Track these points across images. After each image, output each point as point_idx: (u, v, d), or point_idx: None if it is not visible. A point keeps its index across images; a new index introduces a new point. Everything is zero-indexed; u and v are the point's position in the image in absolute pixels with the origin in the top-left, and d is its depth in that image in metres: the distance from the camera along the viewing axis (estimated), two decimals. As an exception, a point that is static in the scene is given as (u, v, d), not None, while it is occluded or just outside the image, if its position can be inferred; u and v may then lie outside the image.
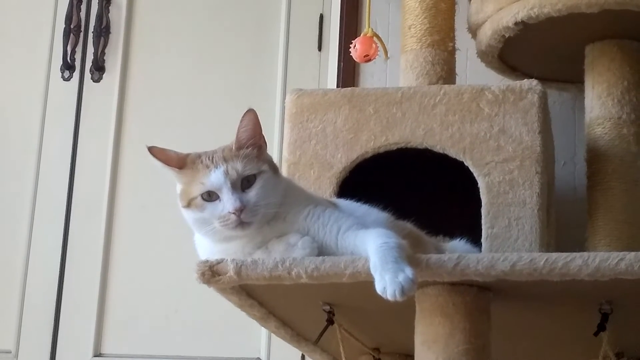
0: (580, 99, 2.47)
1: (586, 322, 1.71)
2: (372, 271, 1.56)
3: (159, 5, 3.19)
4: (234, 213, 1.67)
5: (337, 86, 2.87)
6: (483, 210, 2.00)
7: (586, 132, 2.31)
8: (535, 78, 2.09)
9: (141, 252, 3.00)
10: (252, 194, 1.70)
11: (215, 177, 1.70)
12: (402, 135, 2.07)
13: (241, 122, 1.74)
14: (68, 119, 3.12)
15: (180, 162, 1.74)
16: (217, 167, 1.71)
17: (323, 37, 3.04)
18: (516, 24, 2.21)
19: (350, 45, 2.42)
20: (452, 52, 2.31)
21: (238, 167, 1.71)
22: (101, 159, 3.08)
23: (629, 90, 2.27)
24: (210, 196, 1.70)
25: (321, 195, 1.99)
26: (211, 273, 1.68)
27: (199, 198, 1.71)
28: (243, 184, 1.71)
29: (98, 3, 3.16)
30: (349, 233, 1.71)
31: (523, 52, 2.39)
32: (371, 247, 1.61)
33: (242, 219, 1.68)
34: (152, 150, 1.74)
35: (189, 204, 1.72)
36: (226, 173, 1.70)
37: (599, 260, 1.55)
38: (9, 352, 2.99)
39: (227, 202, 1.68)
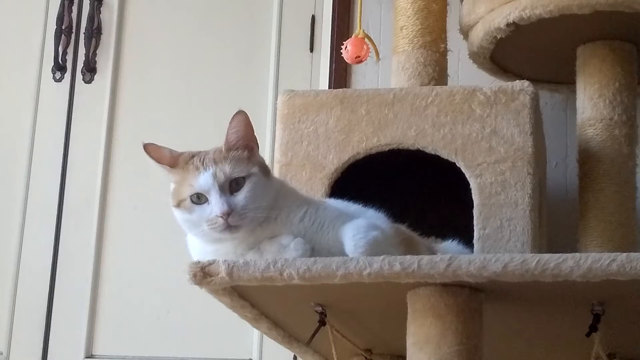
0: (571, 100, 2.47)
1: (578, 323, 1.70)
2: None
3: (151, 6, 3.18)
4: (221, 217, 1.66)
5: (329, 87, 2.87)
6: (475, 212, 2.00)
7: (578, 133, 2.31)
8: (527, 79, 2.09)
9: (133, 253, 3.00)
10: (241, 197, 1.69)
11: (203, 180, 1.69)
12: (394, 136, 2.07)
13: (230, 123, 1.73)
14: (59, 120, 3.11)
15: (172, 161, 1.73)
16: (206, 170, 1.70)
17: (315, 38, 3.03)
18: (508, 25, 2.20)
19: (342, 47, 2.41)
20: (443, 54, 2.31)
21: (226, 169, 1.70)
22: (93, 160, 3.07)
23: (620, 92, 2.27)
24: (200, 198, 1.69)
25: (313, 196, 1.99)
26: (203, 274, 1.67)
27: (188, 200, 1.70)
28: (232, 186, 1.70)
29: (89, 4, 3.15)
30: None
31: (515, 53, 2.40)
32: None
33: (230, 222, 1.67)
34: (147, 147, 1.73)
35: (178, 205, 1.72)
36: (214, 176, 1.69)
37: (591, 261, 1.55)
38: (0, 353, 2.99)
39: (215, 205, 1.67)
